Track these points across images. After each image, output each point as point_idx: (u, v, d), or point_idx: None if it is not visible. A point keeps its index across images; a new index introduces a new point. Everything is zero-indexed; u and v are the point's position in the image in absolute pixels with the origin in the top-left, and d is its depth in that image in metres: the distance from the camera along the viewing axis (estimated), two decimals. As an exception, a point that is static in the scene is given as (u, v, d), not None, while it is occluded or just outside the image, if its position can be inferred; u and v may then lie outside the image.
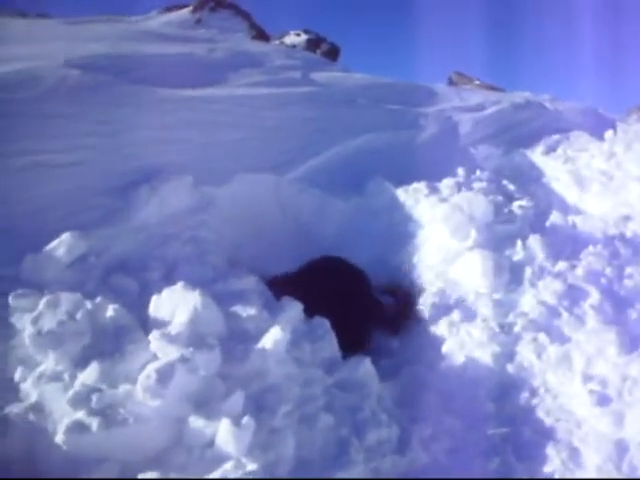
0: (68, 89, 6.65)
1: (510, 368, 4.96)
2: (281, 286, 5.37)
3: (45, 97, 6.40)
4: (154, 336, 3.81)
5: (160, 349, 3.77)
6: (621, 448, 4.14)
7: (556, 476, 4.05)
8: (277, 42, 24.02)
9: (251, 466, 3.28)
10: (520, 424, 4.50)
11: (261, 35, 22.00)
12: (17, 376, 3.80)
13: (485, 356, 5.00)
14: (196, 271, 5.18)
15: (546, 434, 4.40)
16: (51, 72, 6.80)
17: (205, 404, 3.56)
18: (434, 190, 7.16)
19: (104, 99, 6.79)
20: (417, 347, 5.37)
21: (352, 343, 5.09)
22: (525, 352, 5.05)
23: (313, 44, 26.74)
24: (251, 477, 3.20)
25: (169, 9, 21.23)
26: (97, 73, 7.26)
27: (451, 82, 25.65)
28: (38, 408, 3.56)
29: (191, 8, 20.37)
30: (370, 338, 5.65)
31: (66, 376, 3.70)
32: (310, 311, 4.93)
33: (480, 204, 6.58)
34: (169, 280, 4.63)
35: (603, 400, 4.51)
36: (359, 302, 5.67)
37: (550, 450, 4.22)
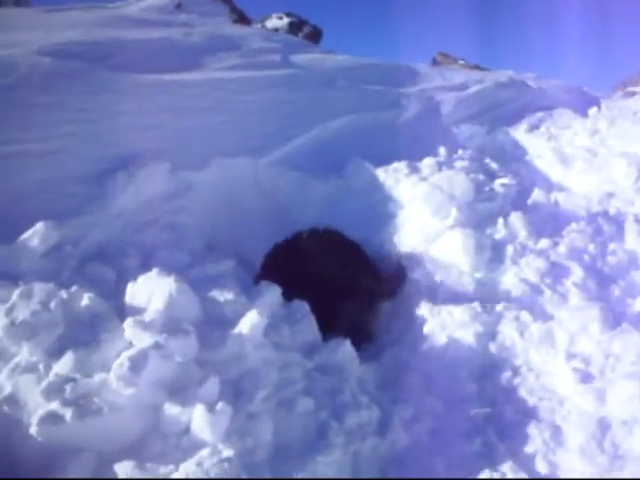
0: (41, 77, 6.54)
1: (492, 347, 4.92)
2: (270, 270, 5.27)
3: (18, 85, 6.28)
4: (128, 324, 3.75)
5: (135, 336, 3.71)
6: (603, 426, 4.12)
7: (538, 456, 4.01)
8: (259, 26, 23.82)
9: (228, 452, 3.23)
10: (502, 404, 4.46)
11: (242, 19, 21.78)
12: (-8, 369, 3.73)
13: (467, 336, 4.95)
14: (174, 257, 5.13)
15: (528, 413, 4.36)
16: (24, 60, 6.68)
17: (180, 391, 3.50)
18: (414, 170, 7.10)
19: (80, 86, 6.69)
20: (398, 328, 5.33)
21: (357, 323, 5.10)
22: (507, 331, 5.01)
23: (295, 27, 26.53)
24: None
25: (148, -6, 20.97)
26: (71, 60, 7.13)
27: (435, 62, 25.54)
28: (13, 400, 3.48)
29: (171, -7, 20.14)
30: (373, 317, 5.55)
31: (41, 367, 3.63)
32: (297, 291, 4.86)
33: (461, 182, 6.54)
34: (147, 267, 4.54)
35: (586, 378, 4.48)
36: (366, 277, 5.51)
37: (532, 429, 4.18)
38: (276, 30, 23.23)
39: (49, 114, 6.10)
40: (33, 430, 3.26)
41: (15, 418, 3.41)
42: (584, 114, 11.04)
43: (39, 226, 4.74)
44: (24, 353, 3.71)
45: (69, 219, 5.16)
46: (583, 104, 11.97)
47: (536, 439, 4.12)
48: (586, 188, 8.05)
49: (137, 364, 3.44)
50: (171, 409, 3.43)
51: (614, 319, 4.99)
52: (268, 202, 6.82)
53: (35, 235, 4.70)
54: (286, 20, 27.22)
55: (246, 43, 10.80)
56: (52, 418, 3.28)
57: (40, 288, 4.01)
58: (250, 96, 8.06)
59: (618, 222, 6.62)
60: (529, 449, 4.07)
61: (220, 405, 3.36)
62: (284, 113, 8.08)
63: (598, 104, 11.95)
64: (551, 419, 4.29)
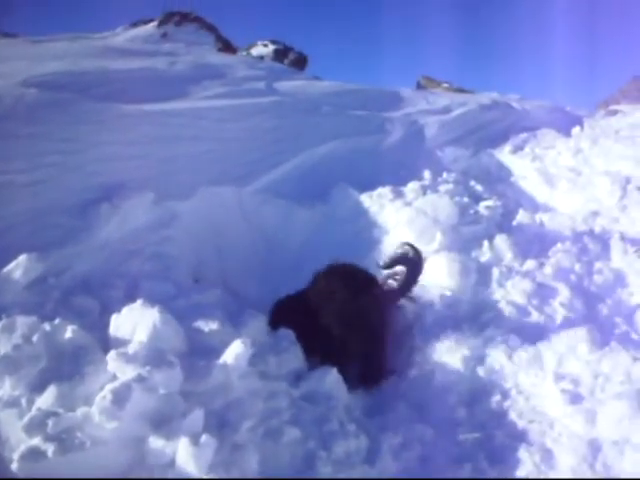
0: (27, 108, 6.55)
1: (481, 371, 4.87)
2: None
3: (3, 117, 6.29)
4: (111, 356, 3.71)
5: (118, 369, 3.67)
6: (594, 447, 4.06)
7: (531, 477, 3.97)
8: (244, 53, 23.98)
9: (213, 484, 3.20)
10: (492, 428, 4.41)
11: (228, 47, 21.91)
12: (-25, 404, 3.67)
13: (455, 360, 4.91)
14: (159, 287, 5.09)
15: (519, 437, 4.30)
16: (8, 92, 6.69)
17: (165, 423, 3.45)
18: (399, 194, 7.14)
19: (65, 117, 6.70)
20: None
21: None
22: (495, 354, 4.96)
23: (281, 54, 26.74)
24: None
25: (135, 24, 21.10)
26: (57, 91, 7.16)
27: (419, 86, 25.74)
28: (-6, 436, 3.45)
29: (156, 23, 20.27)
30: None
31: (23, 401, 3.58)
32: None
33: (445, 206, 6.57)
34: (132, 298, 4.49)
35: (575, 399, 4.43)
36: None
37: (523, 453, 4.12)
38: (261, 57, 23.37)
39: (33, 145, 6.10)
40: (14, 466, 3.20)
41: (-4, 454, 3.36)
42: (567, 134, 11.15)
43: (22, 258, 4.70)
44: (6, 387, 3.65)
45: (53, 250, 5.12)
46: (566, 124, 12.09)
47: (527, 463, 4.06)
48: (571, 207, 8.10)
49: (120, 397, 3.39)
50: (155, 442, 3.37)
51: (602, 339, 4.95)
52: (254, 230, 6.81)
53: (18, 267, 4.66)
54: (271, 47, 27.43)
55: (231, 71, 10.89)
56: (34, 454, 3.21)
57: (22, 321, 3.96)
58: (234, 124, 8.09)
59: (603, 240, 6.65)
60: (520, 473, 4.00)
61: (204, 437, 3.31)
62: (269, 140, 8.12)
63: (581, 123, 12.08)
64: (541, 442, 4.23)
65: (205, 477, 3.25)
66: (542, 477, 3.97)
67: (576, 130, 11.25)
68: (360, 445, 4.03)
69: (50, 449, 3.22)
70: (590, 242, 6.58)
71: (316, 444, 3.87)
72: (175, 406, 3.57)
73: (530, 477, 3.98)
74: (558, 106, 15.40)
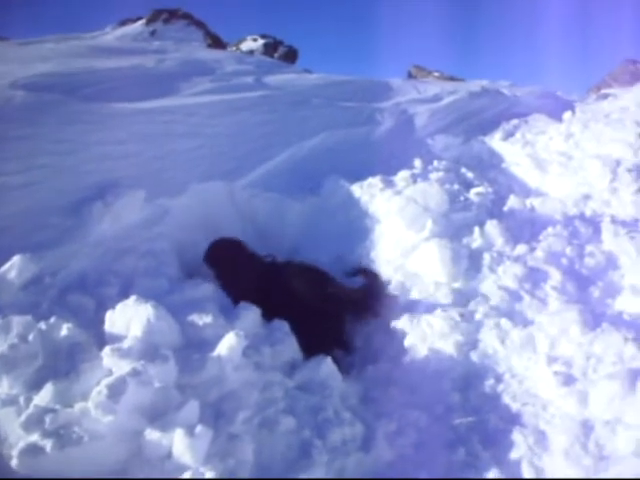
0: (16, 110, 6.56)
1: (474, 356, 4.93)
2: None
3: (-8, 120, 6.31)
4: (106, 352, 3.76)
5: (113, 364, 3.72)
6: (587, 427, 4.13)
7: (523, 461, 4.02)
8: (234, 49, 23.96)
9: (209, 474, 3.24)
10: (486, 412, 4.46)
11: (217, 43, 21.90)
12: (-27, 404, 3.72)
13: (448, 346, 4.96)
14: (153, 283, 5.14)
15: (512, 420, 4.37)
16: (-4, 94, 6.71)
17: (160, 416, 3.51)
18: (389, 184, 7.15)
19: (55, 118, 6.70)
20: (379, 342, 5.34)
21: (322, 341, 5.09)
22: (488, 339, 5.03)
23: (270, 48, 26.73)
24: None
25: (124, 23, 21.07)
26: (46, 92, 7.16)
27: (410, 76, 25.74)
28: (-7, 435, 3.49)
29: (144, 21, 20.24)
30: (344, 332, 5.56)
31: (21, 399, 3.62)
32: (272, 312, 4.95)
33: (434, 194, 6.59)
34: (126, 295, 4.53)
35: (568, 380, 4.49)
36: (324, 293, 5.54)
37: (516, 435, 4.19)
38: (251, 52, 23.37)
39: (25, 146, 6.10)
40: (14, 463, 3.25)
41: (-4, 452, 3.41)
42: (559, 119, 11.15)
43: (16, 259, 4.74)
44: (4, 386, 3.70)
45: (47, 250, 5.15)
46: (558, 109, 12.07)
47: (521, 445, 4.12)
48: (562, 192, 8.11)
49: (115, 391, 3.45)
50: (152, 434, 3.43)
51: (594, 320, 5.02)
52: (246, 225, 6.84)
53: (12, 268, 4.69)
54: (261, 42, 27.40)
55: (220, 67, 10.89)
56: (32, 450, 3.27)
57: (18, 321, 4.00)
58: (224, 119, 8.12)
59: (594, 224, 6.69)
60: (514, 455, 4.07)
61: (199, 428, 3.37)
62: (259, 134, 8.14)
63: (572, 108, 12.07)
64: (535, 424, 4.29)
65: (202, 468, 3.30)
66: (534, 461, 4.03)
67: (567, 115, 11.24)
68: (355, 432, 4.10)
69: (48, 445, 3.27)
70: (581, 225, 6.62)
71: (311, 433, 3.92)
72: (170, 399, 3.63)
73: (523, 462, 4.03)
74: (549, 91, 15.40)
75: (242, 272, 5.51)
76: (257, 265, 5.71)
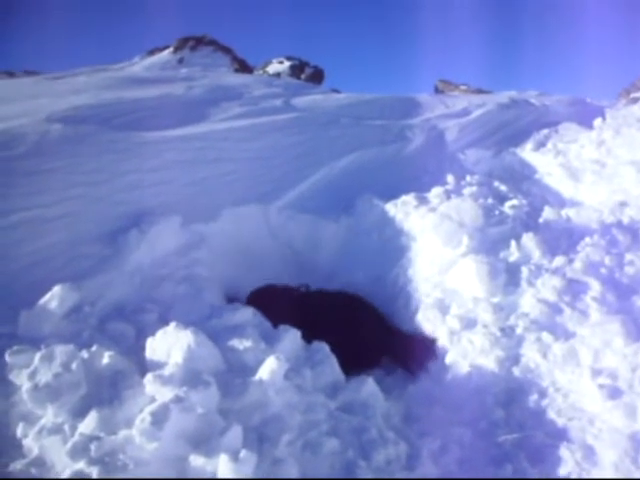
0: (52, 143, 6.72)
1: (516, 371, 4.87)
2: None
3: (30, 154, 6.45)
4: (148, 379, 3.78)
5: (156, 391, 3.74)
6: (636, 441, 4.04)
7: (572, 477, 3.93)
8: (260, 72, 24.16)
9: (255, 499, 3.24)
10: (531, 428, 4.40)
11: (243, 67, 22.15)
12: (19, 432, 3.76)
13: (489, 362, 4.92)
14: (192, 309, 5.19)
15: (558, 435, 4.29)
16: (33, 129, 6.87)
17: (204, 442, 3.50)
18: (423, 201, 7.14)
19: (89, 149, 6.85)
20: (420, 361, 5.31)
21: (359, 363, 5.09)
22: (530, 353, 4.96)
23: (297, 69, 26.89)
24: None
25: (152, 52, 21.41)
26: (79, 124, 7.33)
27: (437, 90, 25.69)
28: (39, 462, 3.53)
29: (172, 49, 20.55)
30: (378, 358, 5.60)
31: (66, 427, 3.67)
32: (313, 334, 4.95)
33: (469, 209, 6.55)
34: (165, 321, 4.58)
35: (614, 393, 4.41)
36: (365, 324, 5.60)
37: (564, 451, 4.11)
38: (278, 75, 23.53)
39: (60, 178, 6.24)
40: (61, 492, 3.28)
41: (43, 480, 3.44)
42: (589, 126, 11.03)
43: (56, 289, 4.81)
44: (49, 415, 3.76)
45: (86, 280, 5.24)
46: (588, 116, 11.96)
47: (568, 461, 4.05)
48: (598, 200, 8.00)
49: (159, 418, 3.46)
50: (196, 460, 3.43)
51: (637, 330, 4.92)
52: (282, 247, 6.88)
53: (53, 298, 4.76)
54: (287, 64, 27.58)
55: (248, 91, 11.02)
56: (79, 477, 3.30)
57: (61, 350, 4.05)
58: (255, 143, 8.20)
59: (633, 231, 6.57)
60: (562, 471, 4.00)
61: (243, 453, 3.36)
62: (290, 157, 8.20)
63: (603, 114, 11.93)
64: (582, 439, 4.21)
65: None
66: (584, 477, 3.94)
67: (598, 121, 11.12)
68: (400, 452, 4.05)
69: (94, 472, 3.30)
70: (619, 233, 6.49)
71: (355, 453, 3.89)
72: (213, 424, 3.62)
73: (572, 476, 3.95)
74: (578, 98, 15.27)
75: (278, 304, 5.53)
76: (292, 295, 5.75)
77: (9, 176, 6.03)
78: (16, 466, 3.51)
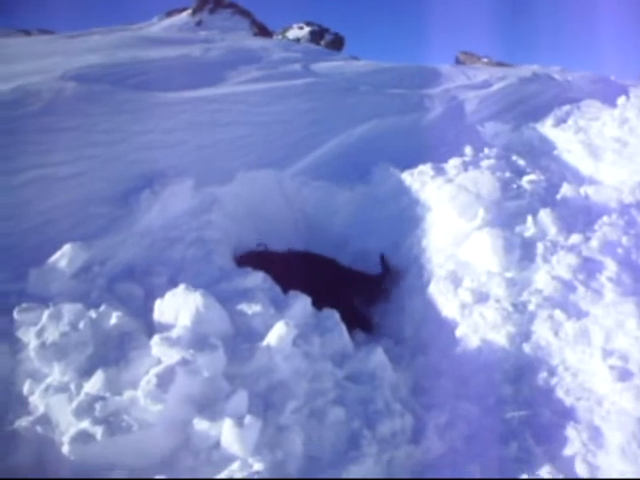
0: (66, 102, 6.64)
1: (526, 348, 4.80)
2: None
3: (43, 111, 6.38)
4: (155, 341, 3.77)
5: (162, 353, 3.73)
6: (644, 424, 4.00)
7: (577, 458, 3.89)
8: (280, 37, 23.96)
9: (258, 465, 3.22)
10: (539, 406, 4.35)
11: (263, 31, 21.94)
12: (25, 389, 3.76)
13: (500, 337, 4.86)
14: (202, 272, 5.16)
15: (566, 414, 4.24)
16: (48, 86, 6.79)
17: (209, 406, 3.50)
18: (440, 171, 7.05)
19: (103, 108, 6.77)
20: (429, 332, 5.27)
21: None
22: (541, 331, 4.89)
23: (317, 36, 26.65)
24: (257, 477, 3.14)
25: (170, 14, 21.23)
26: (94, 83, 7.25)
27: (458, 62, 25.38)
28: (45, 420, 3.54)
29: (191, 11, 20.36)
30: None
31: (72, 387, 3.67)
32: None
33: (487, 182, 6.45)
34: (175, 283, 4.55)
35: (624, 375, 4.34)
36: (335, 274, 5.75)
37: (570, 431, 4.06)
38: (297, 40, 23.32)
39: (74, 137, 6.19)
40: (65, 449, 3.29)
41: (48, 438, 3.46)
42: (612, 104, 10.79)
43: (67, 248, 4.79)
44: (55, 374, 3.76)
45: (96, 240, 5.21)
46: (611, 94, 11.70)
47: (575, 441, 4.00)
48: (617, 179, 7.85)
49: (165, 381, 3.46)
50: (200, 424, 3.43)
51: (651, 313, 4.83)
52: (295, 213, 6.83)
53: (63, 257, 4.75)
54: (307, 29, 27.33)
55: (266, 55, 10.88)
56: (83, 437, 3.31)
57: (69, 309, 4.05)
58: (271, 107, 8.10)
59: (652, 211, 6.45)
60: (568, 452, 3.95)
61: (249, 419, 3.34)
62: (306, 122, 8.10)
63: (627, 93, 11.67)
64: (590, 419, 4.16)
65: (250, 459, 3.28)
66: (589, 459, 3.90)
67: (621, 100, 10.87)
68: (405, 424, 4.03)
69: (99, 432, 3.30)
70: (638, 214, 6.37)
71: (361, 424, 3.87)
72: (219, 388, 3.61)
73: (577, 458, 3.91)
74: (602, 76, 14.96)
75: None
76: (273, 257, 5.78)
77: (22, 134, 5.98)
78: (22, 423, 3.52)
